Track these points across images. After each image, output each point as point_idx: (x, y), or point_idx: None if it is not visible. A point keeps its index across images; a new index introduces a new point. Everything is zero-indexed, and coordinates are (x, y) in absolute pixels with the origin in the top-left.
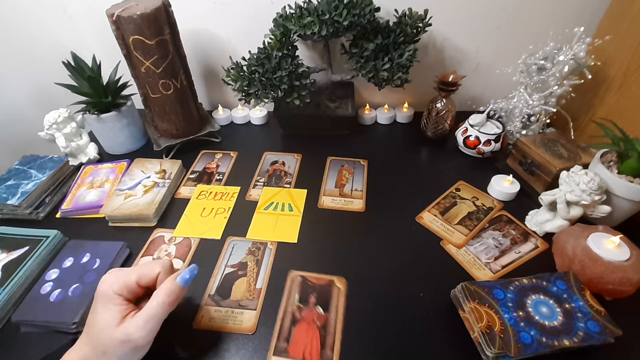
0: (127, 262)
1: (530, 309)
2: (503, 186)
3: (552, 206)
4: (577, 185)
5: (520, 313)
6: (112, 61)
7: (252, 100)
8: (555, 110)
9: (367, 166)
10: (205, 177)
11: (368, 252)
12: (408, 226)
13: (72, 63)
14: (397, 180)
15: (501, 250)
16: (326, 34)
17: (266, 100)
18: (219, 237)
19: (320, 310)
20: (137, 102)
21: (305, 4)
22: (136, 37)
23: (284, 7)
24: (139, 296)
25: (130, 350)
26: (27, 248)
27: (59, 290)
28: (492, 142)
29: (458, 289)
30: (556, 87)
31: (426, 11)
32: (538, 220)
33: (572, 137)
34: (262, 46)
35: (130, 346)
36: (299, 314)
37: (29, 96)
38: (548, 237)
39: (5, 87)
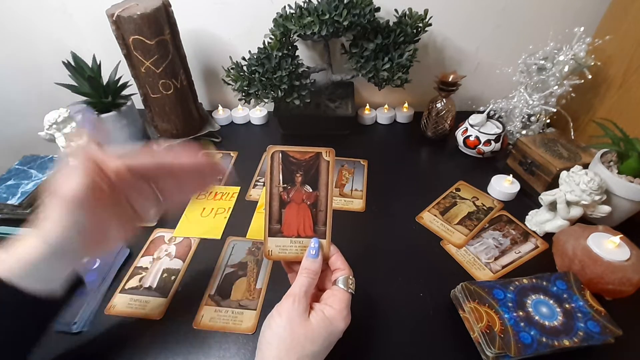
0: (127, 262)
1: (530, 309)
2: (503, 186)
3: (552, 206)
4: (577, 185)
5: (520, 313)
6: (112, 61)
7: (252, 100)
8: (555, 110)
9: (367, 166)
10: None
11: (368, 251)
12: (408, 226)
13: (72, 63)
14: (397, 180)
15: (501, 250)
16: (326, 34)
17: (266, 100)
18: (219, 237)
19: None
20: (137, 102)
21: (305, 4)
22: (136, 37)
23: (284, 7)
24: None
25: None
26: None
27: None
28: (492, 142)
29: (458, 289)
30: (556, 87)
31: (426, 11)
32: (538, 220)
33: (572, 137)
34: (262, 46)
35: None
36: (286, 195)
37: (29, 96)
38: (548, 237)
39: (5, 87)
